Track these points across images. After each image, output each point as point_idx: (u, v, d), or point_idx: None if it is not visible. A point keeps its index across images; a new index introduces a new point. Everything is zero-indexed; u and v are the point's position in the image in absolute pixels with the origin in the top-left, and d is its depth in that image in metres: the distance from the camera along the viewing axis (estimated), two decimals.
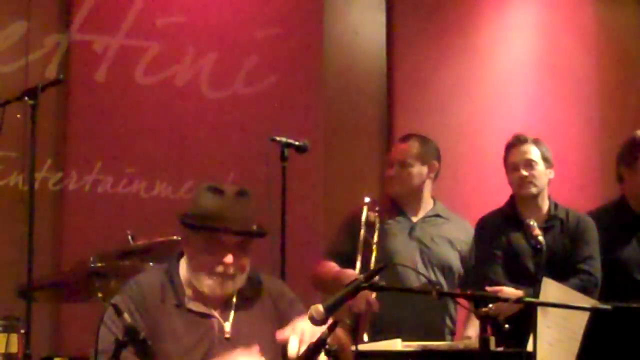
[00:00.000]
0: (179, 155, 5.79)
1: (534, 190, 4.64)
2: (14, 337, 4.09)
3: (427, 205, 4.73)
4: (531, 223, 4.12)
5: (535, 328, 3.52)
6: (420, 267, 4.55)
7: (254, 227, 3.21)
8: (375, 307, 4.31)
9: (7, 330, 4.09)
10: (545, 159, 4.67)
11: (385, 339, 3.86)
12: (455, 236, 4.68)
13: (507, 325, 4.30)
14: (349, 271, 4.35)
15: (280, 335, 3.00)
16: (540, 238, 4.03)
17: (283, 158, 4.54)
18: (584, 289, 4.43)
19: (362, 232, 4.45)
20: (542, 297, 3.68)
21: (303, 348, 2.87)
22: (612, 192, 5.84)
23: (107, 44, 5.73)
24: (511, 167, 4.69)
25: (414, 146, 4.69)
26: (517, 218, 4.64)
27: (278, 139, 4.56)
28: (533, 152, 4.67)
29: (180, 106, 5.85)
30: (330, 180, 6.16)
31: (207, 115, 5.90)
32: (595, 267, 4.56)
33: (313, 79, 6.16)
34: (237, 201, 3.20)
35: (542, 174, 4.67)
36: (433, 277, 4.56)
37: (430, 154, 4.71)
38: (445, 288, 4.45)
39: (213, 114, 5.91)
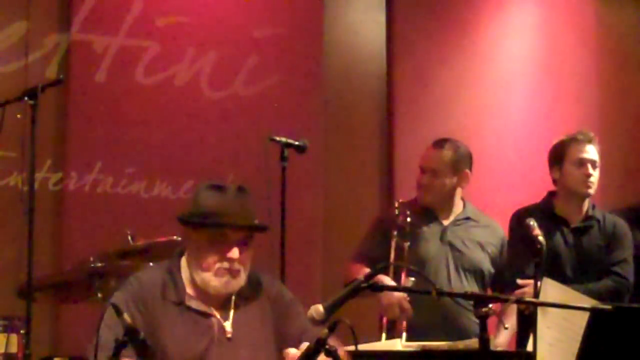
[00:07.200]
0: (179, 155, 5.79)
1: (591, 192, 4.58)
2: (14, 337, 4.10)
3: (458, 208, 4.71)
4: (531, 223, 4.11)
5: (535, 328, 3.53)
6: (452, 271, 4.55)
7: (257, 222, 3.25)
8: (410, 313, 4.30)
9: (7, 330, 4.10)
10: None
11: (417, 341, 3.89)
12: (485, 239, 4.67)
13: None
14: (388, 279, 4.30)
15: None
16: (540, 238, 4.02)
17: (283, 158, 4.54)
18: (616, 292, 4.42)
19: (395, 237, 4.42)
20: (542, 297, 3.68)
21: None
22: (612, 191, 5.85)
23: (107, 44, 5.73)
24: (576, 162, 4.57)
25: (447, 155, 4.64)
26: (555, 215, 4.59)
27: (278, 139, 4.56)
28: (596, 153, 4.59)
29: (180, 106, 5.84)
30: (330, 180, 6.15)
31: (207, 115, 5.89)
32: (629, 271, 4.53)
33: (313, 79, 6.15)
34: (239, 197, 3.24)
35: (597, 177, 4.63)
36: (465, 281, 4.56)
37: (463, 162, 4.66)
38: (477, 291, 4.43)
39: (213, 114, 5.91)
